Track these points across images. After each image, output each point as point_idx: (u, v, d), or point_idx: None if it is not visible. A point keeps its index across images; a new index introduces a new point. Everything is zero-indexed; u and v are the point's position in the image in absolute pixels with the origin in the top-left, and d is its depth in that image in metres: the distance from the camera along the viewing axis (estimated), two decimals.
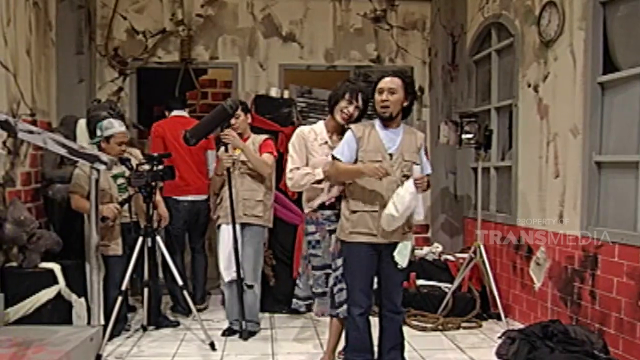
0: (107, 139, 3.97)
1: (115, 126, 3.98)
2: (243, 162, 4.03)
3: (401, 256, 3.06)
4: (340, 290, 3.24)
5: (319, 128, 3.36)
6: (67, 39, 5.13)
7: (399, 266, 3.08)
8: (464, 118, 4.73)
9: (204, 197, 4.70)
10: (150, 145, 4.85)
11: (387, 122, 3.09)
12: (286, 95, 5.38)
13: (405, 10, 5.92)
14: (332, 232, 3.27)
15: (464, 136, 4.67)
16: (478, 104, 5.47)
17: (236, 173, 4.04)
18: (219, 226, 4.13)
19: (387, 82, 3.06)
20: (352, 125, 3.16)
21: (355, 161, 3.06)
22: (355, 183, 3.07)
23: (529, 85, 4.45)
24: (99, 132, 3.99)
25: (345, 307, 3.20)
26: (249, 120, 4.17)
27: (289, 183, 3.36)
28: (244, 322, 4.09)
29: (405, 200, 2.90)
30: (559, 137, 4.07)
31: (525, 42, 4.52)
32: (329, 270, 3.31)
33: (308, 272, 3.44)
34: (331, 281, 3.29)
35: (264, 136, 4.20)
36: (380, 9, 5.88)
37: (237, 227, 3.97)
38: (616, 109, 3.62)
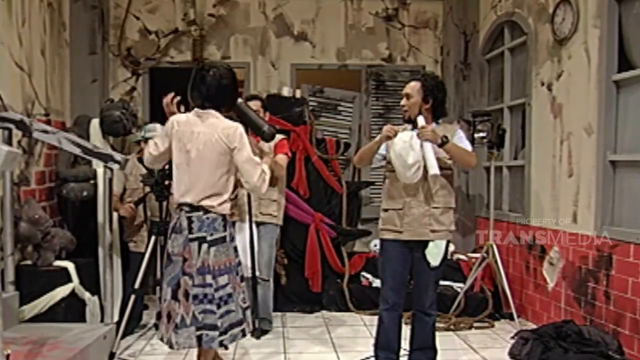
0: (147, 140, 4.10)
1: (157, 130, 4.11)
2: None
3: (432, 255, 3.06)
4: (227, 313, 2.78)
5: None
6: (81, 39, 5.17)
7: (430, 265, 3.07)
8: (477, 117, 4.71)
9: None
10: None
11: (413, 125, 3.14)
12: (298, 94, 5.39)
13: (417, 9, 5.90)
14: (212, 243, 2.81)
15: (476, 135, 4.65)
16: (491, 103, 5.44)
17: None
18: (232, 224, 4.14)
19: (405, 87, 3.16)
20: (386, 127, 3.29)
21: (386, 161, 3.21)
22: (387, 183, 3.19)
23: (543, 84, 4.42)
24: (142, 132, 4.23)
25: (230, 333, 2.78)
26: (266, 119, 4.18)
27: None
28: (256, 320, 4.12)
29: (396, 147, 3.02)
30: (573, 136, 4.04)
31: (538, 40, 4.48)
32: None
33: (238, 288, 2.86)
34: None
35: (280, 136, 4.21)
36: (392, 7, 5.87)
37: (246, 225, 3.99)
38: (631, 107, 3.58)
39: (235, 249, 2.92)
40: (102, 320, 3.66)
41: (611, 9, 3.65)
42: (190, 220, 2.77)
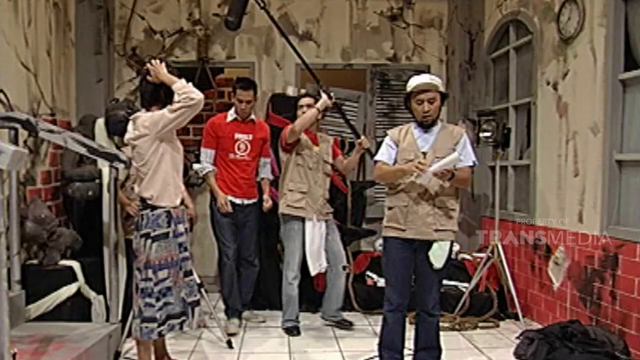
0: None
1: None
2: (326, 162, 4.19)
3: (435, 257, 3.04)
4: (165, 305, 2.99)
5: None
6: (86, 39, 5.19)
7: (434, 267, 3.06)
8: (482, 116, 4.70)
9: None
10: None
11: (426, 127, 3.14)
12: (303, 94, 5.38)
13: (422, 8, 5.88)
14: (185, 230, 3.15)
15: (481, 134, 4.64)
16: (496, 102, 5.42)
17: (320, 171, 4.18)
18: (302, 219, 4.17)
19: (427, 93, 3.08)
20: (389, 131, 3.28)
21: (395, 162, 3.17)
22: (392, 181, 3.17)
23: (548, 83, 4.40)
24: None
25: (167, 324, 2.99)
26: (319, 117, 4.22)
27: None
28: (336, 312, 4.40)
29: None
30: (579, 135, 4.02)
31: (544, 40, 4.47)
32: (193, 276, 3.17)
33: (180, 282, 3.04)
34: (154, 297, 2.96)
35: (331, 138, 4.47)
36: (397, 7, 5.86)
37: (323, 223, 4.22)
38: (638, 106, 3.56)
39: (180, 244, 3.05)
40: (107, 320, 3.66)
41: (617, 8, 3.63)
42: (142, 218, 3.00)
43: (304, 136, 4.14)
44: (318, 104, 4.10)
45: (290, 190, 4.16)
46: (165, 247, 2.97)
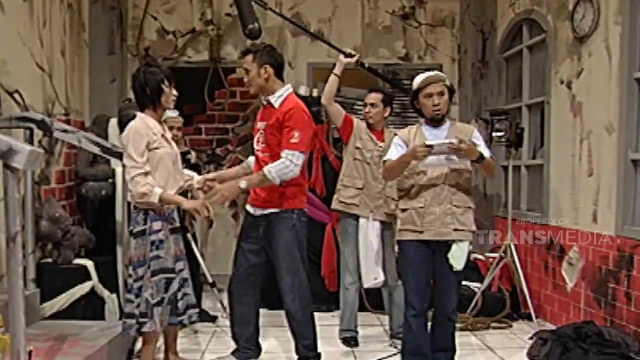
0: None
1: (167, 114, 3.89)
2: None
3: (456, 259, 3.00)
4: (186, 295, 3.08)
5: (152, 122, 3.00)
6: (100, 40, 5.24)
7: (454, 269, 3.03)
8: (495, 116, 4.68)
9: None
10: None
11: (436, 123, 3.10)
12: (315, 93, 5.38)
13: (434, 7, 5.87)
14: (174, 230, 3.06)
15: (494, 134, 4.61)
16: (509, 102, 5.38)
17: (381, 167, 3.85)
18: (356, 217, 3.78)
19: (434, 86, 3.05)
20: (398, 132, 3.24)
21: None
22: (404, 182, 3.11)
23: (562, 82, 4.36)
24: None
25: (190, 312, 3.06)
26: (386, 115, 3.93)
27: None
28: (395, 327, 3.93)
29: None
30: (594, 134, 3.99)
31: (558, 38, 4.43)
32: (170, 275, 2.99)
33: (146, 282, 2.96)
34: (175, 286, 3.01)
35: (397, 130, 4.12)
36: (409, 6, 5.86)
37: (378, 224, 3.74)
38: None
39: (153, 243, 2.97)
40: (120, 318, 3.69)
41: (633, 6, 3.59)
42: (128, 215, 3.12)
43: (366, 136, 3.86)
44: (335, 69, 3.83)
45: (345, 186, 3.84)
46: (142, 245, 2.96)
